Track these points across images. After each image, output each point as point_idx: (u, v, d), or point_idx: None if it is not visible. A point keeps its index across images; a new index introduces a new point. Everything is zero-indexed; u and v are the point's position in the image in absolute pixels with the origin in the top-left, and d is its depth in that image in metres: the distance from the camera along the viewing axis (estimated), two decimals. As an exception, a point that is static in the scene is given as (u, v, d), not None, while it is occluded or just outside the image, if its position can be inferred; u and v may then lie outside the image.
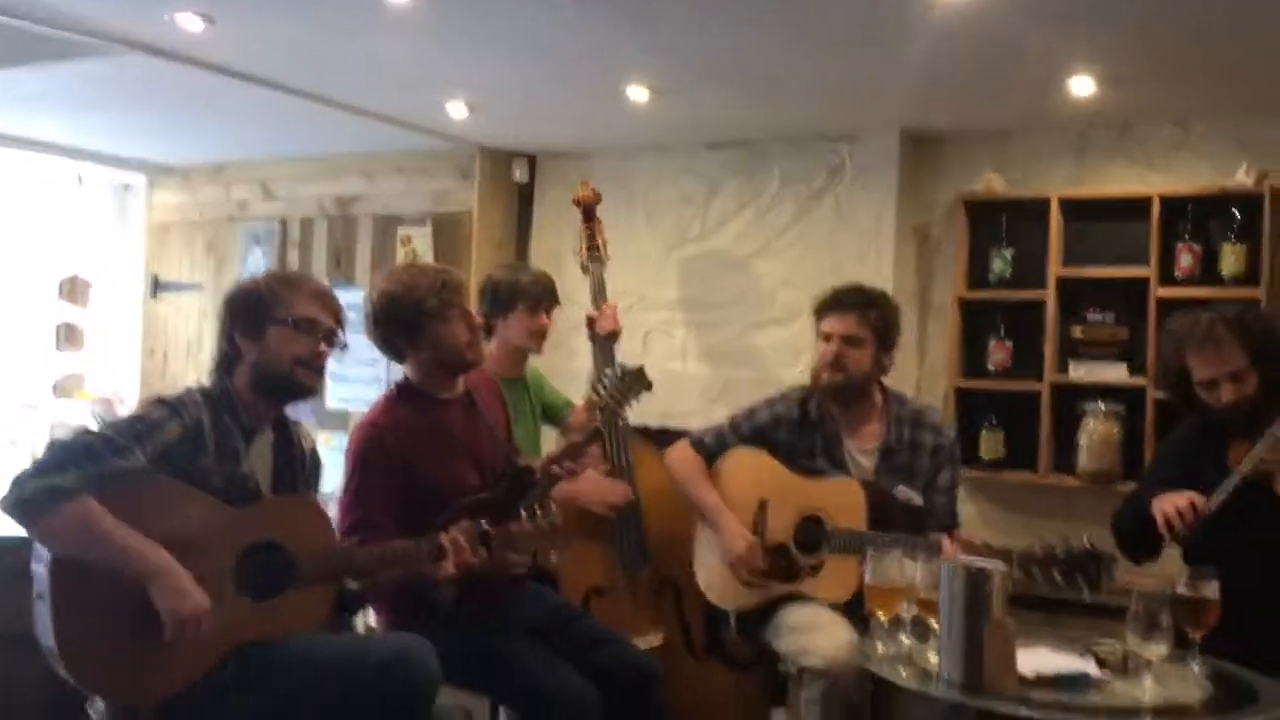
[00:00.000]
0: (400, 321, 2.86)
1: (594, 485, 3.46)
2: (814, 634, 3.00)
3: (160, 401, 2.44)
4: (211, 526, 2.36)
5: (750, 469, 3.32)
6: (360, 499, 2.78)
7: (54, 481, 2.19)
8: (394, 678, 2.31)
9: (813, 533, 3.19)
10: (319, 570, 2.44)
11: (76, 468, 2.21)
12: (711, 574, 3.35)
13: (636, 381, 3.18)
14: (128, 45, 3.59)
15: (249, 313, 2.55)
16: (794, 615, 3.13)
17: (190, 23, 3.34)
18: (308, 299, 2.55)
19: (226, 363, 2.57)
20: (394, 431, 2.83)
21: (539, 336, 3.65)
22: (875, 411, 3.29)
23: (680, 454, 3.41)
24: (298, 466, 2.65)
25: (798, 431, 3.29)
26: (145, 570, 2.22)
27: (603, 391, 3.18)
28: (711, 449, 3.38)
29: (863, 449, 3.27)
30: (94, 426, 2.35)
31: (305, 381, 2.54)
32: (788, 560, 3.20)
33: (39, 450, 2.29)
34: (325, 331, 2.56)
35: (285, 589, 2.40)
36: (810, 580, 3.17)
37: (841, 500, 3.16)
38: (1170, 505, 2.85)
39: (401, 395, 2.95)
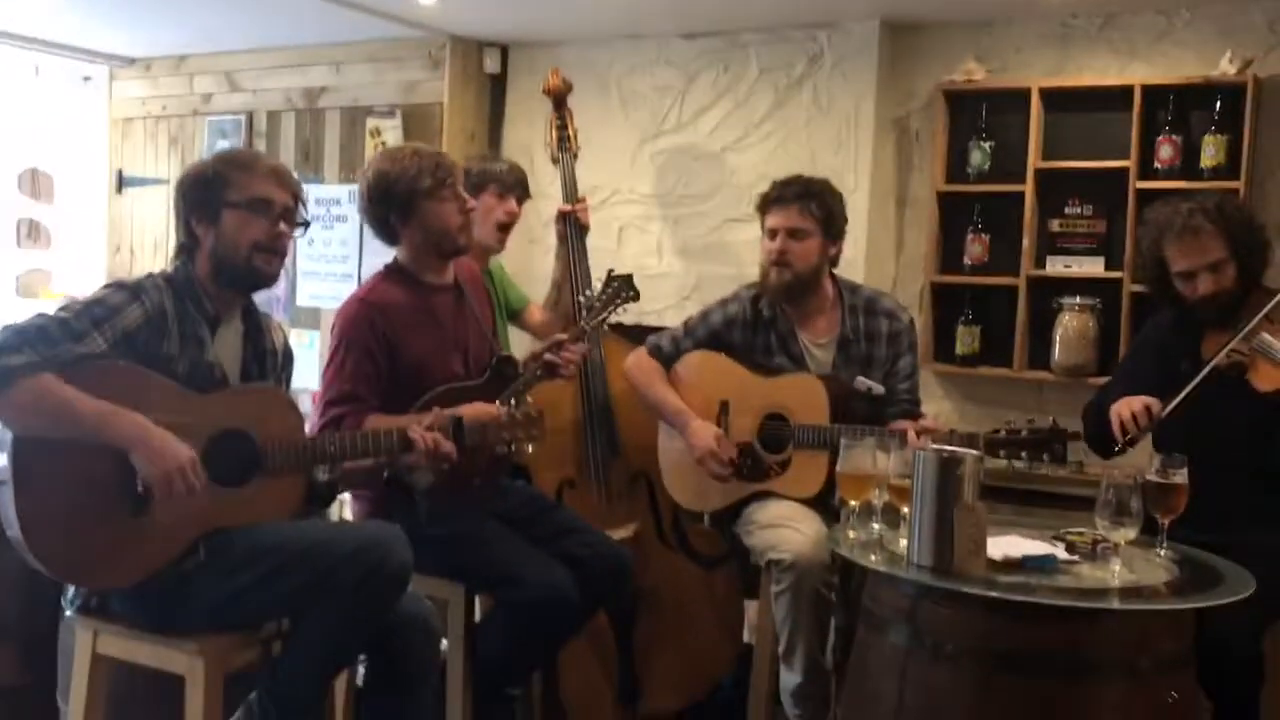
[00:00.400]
0: (394, 199, 2.86)
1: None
2: (782, 529, 3.02)
3: (120, 285, 2.38)
4: (178, 413, 2.32)
5: (709, 371, 3.30)
6: (343, 373, 2.78)
7: (9, 362, 2.14)
8: (365, 564, 2.30)
9: (777, 431, 3.19)
10: (287, 459, 2.41)
11: (32, 350, 2.16)
12: (680, 478, 3.36)
13: (625, 288, 3.14)
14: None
15: (201, 197, 2.47)
16: (762, 512, 3.14)
17: (144, -103, 3.20)
18: (262, 178, 2.47)
19: (186, 251, 2.50)
20: (380, 308, 2.83)
21: (505, 227, 3.60)
22: (828, 303, 3.27)
23: (638, 361, 3.39)
24: (268, 360, 2.60)
25: (752, 330, 3.27)
26: (118, 436, 2.19)
27: (590, 294, 3.16)
28: (668, 354, 3.36)
29: (818, 342, 3.26)
30: (50, 311, 2.29)
31: (264, 268, 2.48)
32: (754, 459, 3.20)
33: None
34: (282, 210, 2.48)
35: (253, 477, 2.38)
36: (778, 478, 3.18)
37: (803, 396, 3.16)
38: (1126, 409, 2.87)
39: (391, 275, 2.94)
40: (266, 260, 2.47)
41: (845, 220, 3.27)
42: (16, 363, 2.14)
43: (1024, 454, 2.83)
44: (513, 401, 2.78)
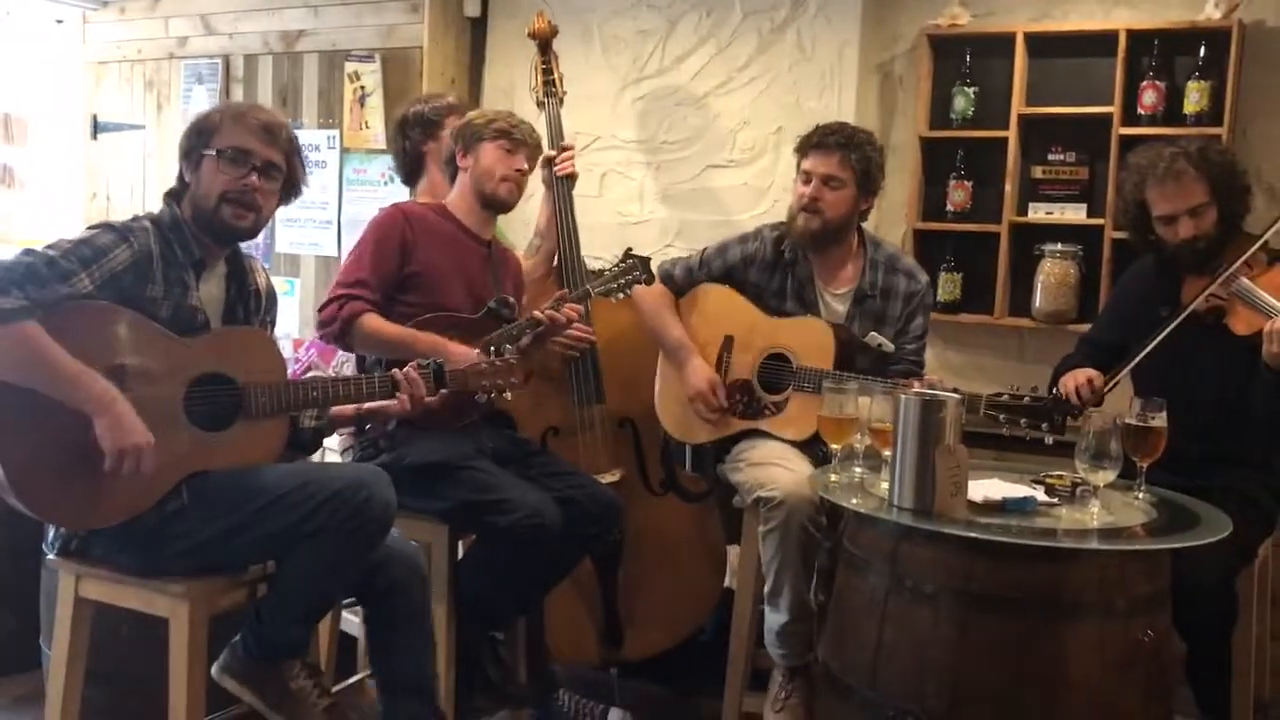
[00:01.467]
0: (466, 131, 3.13)
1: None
2: (772, 468, 3.03)
3: (109, 227, 2.36)
4: (160, 356, 2.31)
5: (718, 305, 3.32)
6: (359, 262, 2.98)
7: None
8: (349, 504, 2.31)
9: (777, 371, 3.20)
10: (270, 402, 2.41)
11: (19, 289, 2.14)
12: (672, 409, 3.38)
13: (640, 268, 3.14)
14: None
15: (192, 141, 2.48)
16: (753, 450, 3.16)
17: None
18: (247, 130, 2.44)
19: (175, 194, 2.49)
20: (412, 217, 3.07)
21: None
22: (850, 255, 3.27)
23: (649, 288, 3.38)
24: (251, 302, 2.59)
25: (770, 271, 3.27)
26: (86, 401, 2.18)
27: (606, 267, 3.20)
28: (680, 282, 3.38)
29: (835, 293, 3.26)
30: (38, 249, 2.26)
31: (232, 221, 2.43)
32: (750, 397, 3.22)
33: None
34: (262, 164, 2.44)
35: (235, 420, 2.37)
36: (772, 418, 3.19)
37: (809, 340, 3.16)
38: (1070, 382, 2.93)
39: (436, 207, 3.17)
40: (236, 214, 2.43)
41: (882, 175, 3.26)
42: (6, 306, 2.13)
43: (1023, 421, 2.82)
44: (493, 349, 2.79)
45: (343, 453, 3.13)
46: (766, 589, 3.04)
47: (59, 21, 5.72)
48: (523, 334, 2.94)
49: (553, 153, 3.66)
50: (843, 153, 3.15)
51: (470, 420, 3.00)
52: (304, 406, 2.51)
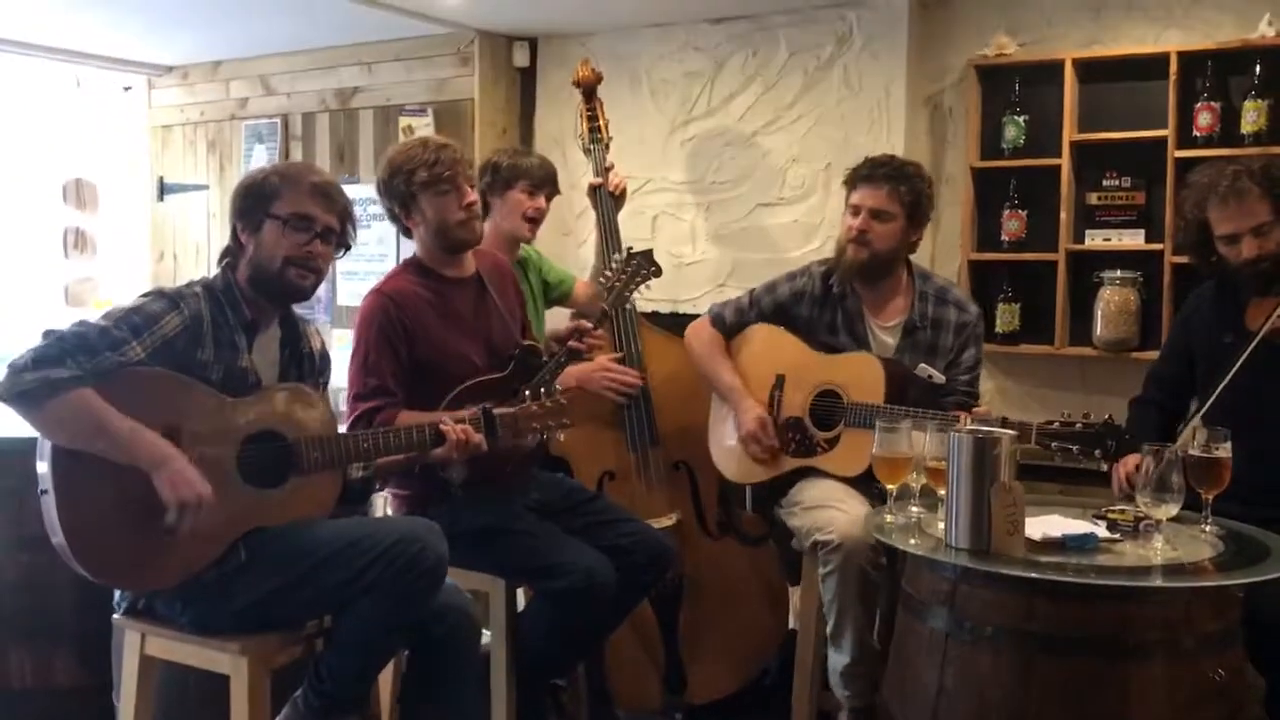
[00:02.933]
0: (394, 191, 2.90)
1: (604, 370, 3.45)
2: (827, 509, 3.00)
3: (160, 294, 2.43)
4: (212, 416, 2.36)
5: (769, 345, 3.31)
6: (367, 366, 2.82)
7: (52, 374, 2.19)
8: (401, 558, 2.33)
9: (829, 407, 3.18)
10: (321, 457, 2.44)
11: (72, 360, 2.21)
12: (726, 451, 3.36)
13: (645, 264, 3.15)
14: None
15: (250, 205, 2.51)
16: (807, 491, 3.13)
17: (169, -94, 3.23)
18: (306, 194, 2.49)
19: (230, 255, 2.54)
20: (397, 299, 2.86)
21: (535, 221, 3.62)
22: (900, 288, 3.25)
23: (699, 330, 3.41)
24: (305, 364, 2.63)
25: (819, 305, 3.26)
26: (146, 459, 2.23)
27: (610, 274, 3.16)
28: (731, 325, 3.38)
29: (885, 325, 3.24)
30: (91, 319, 2.34)
31: (297, 281, 2.50)
32: (803, 435, 3.20)
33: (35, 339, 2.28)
34: (322, 229, 2.50)
35: (289, 477, 2.41)
36: (825, 455, 3.17)
37: (859, 375, 3.14)
38: (1124, 471, 2.84)
39: (408, 268, 2.98)
40: (300, 274, 2.50)
41: (931, 207, 3.25)
42: (59, 376, 2.19)
43: (1075, 448, 2.78)
44: (541, 390, 2.79)
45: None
46: (829, 630, 3.00)
47: (127, 88, 5.92)
48: (558, 371, 2.95)
49: (597, 180, 3.70)
50: (891, 185, 3.14)
51: (527, 469, 3.01)
52: (355, 459, 2.54)
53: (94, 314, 2.33)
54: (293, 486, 2.42)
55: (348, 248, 2.62)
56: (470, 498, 2.83)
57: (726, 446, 3.36)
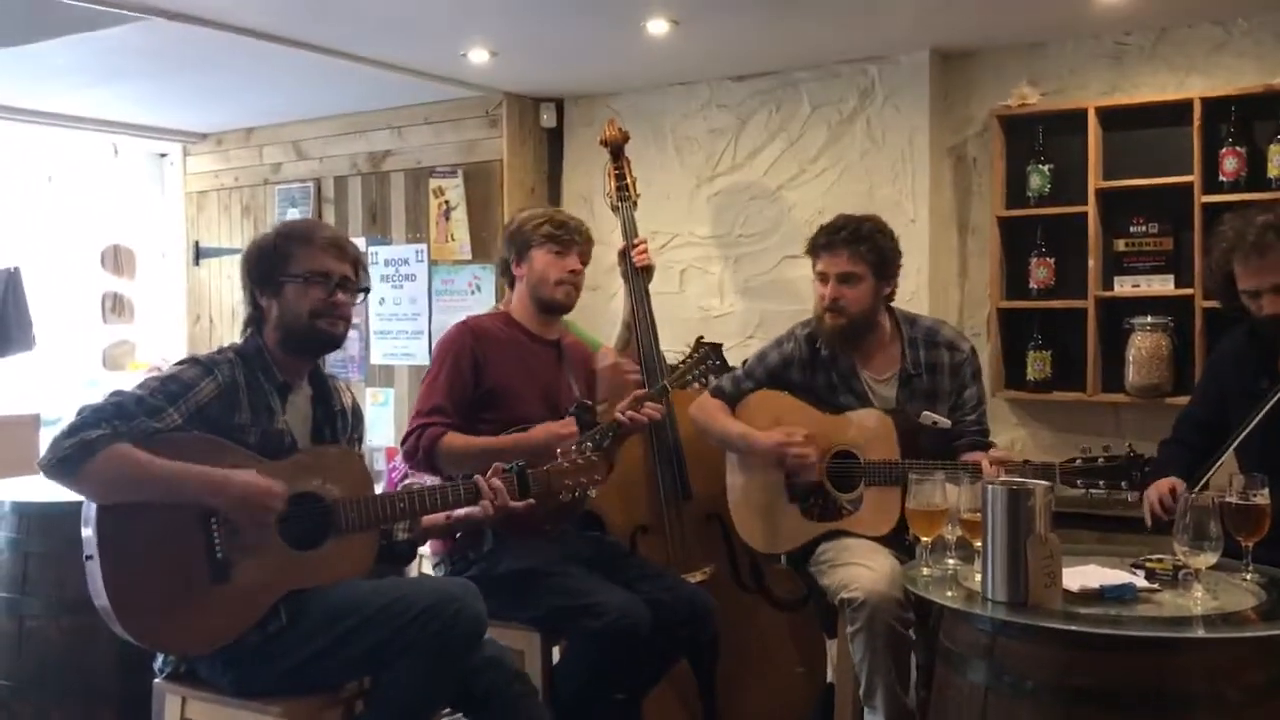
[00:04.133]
0: (515, 238, 3.17)
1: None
2: (853, 567, 2.99)
3: (195, 361, 2.47)
4: (250, 478, 2.39)
5: (774, 410, 3.28)
6: (434, 386, 3.00)
7: (88, 435, 2.23)
8: (440, 618, 2.34)
9: (846, 468, 3.16)
10: (359, 518, 2.46)
11: (108, 424, 2.25)
12: (751, 520, 3.33)
13: (712, 356, 3.20)
14: (150, 11, 3.60)
15: (264, 271, 2.56)
16: (833, 550, 3.11)
17: (206, -16, 3.34)
18: (319, 251, 2.55)
19: (255, 322, 2.59)
20: (477, 332, 3.08)
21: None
22: (886, 338, 3.23)
23: (701, 403, 3.39)
24: (338, 421, 2.66)
25: (809, 369, 3.25)
26: (200, 489, 2.27)
27: (682, 362, 3.23)
28: (730, 396, 3.36)
29: (880, 379, 3.22)
30: (127, 389, 2.38)
31: (328, 330, 2.55)
32: (825, 499, 3.18)
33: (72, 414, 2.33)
34: (340, 280, 2.56)
35: (327, 538, 2.43)
36: (851, 517, 3.14)
37: (871, 432, 3.12)
38: (1155, 495, 2.81)
39: (498, 314, 3.22)
40: (329, 323, 2.55)
41: (898, 256, 3.21)
42: (93, 435, 2.23)
43: (1101, 483, 2.77)
44: (573, 447, 2.82)
45: (435, 565, 3.17)
46: (861, 690, 2.97)
47: (162, 155, 6.06)
48: (605, 438, 2.98)
49: (624, 245, 3.73)
50: (850, 249, 3.11)
51: (563, 526, 3.03)
52: (392, 520, 2.56)
53: (132, 377, 2.37)
54: (331, 547, 2.44)
55: (366, 290, 2.67)
56: (509, 545, 2.85)
57: (750, 514, 3.31)
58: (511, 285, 3.22)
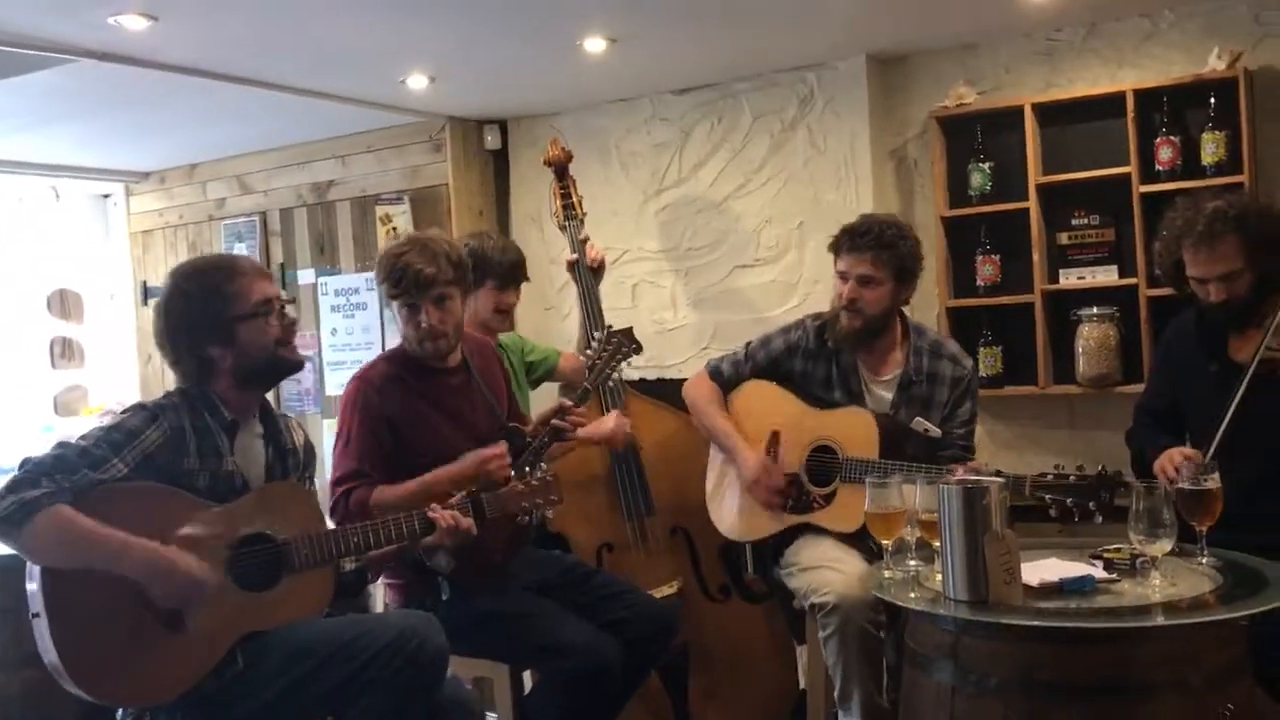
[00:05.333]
0: (382, 293, 3.00)
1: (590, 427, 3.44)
2: (823, 571, 3.01)
3: (141, 408, 2.43)
4: (200, 525, 2.36)
5: (763, 401, 3.34)
6: (348, 451, 2.87)
7: (27, 495, 2.18)
8: (401, 654, 2.32)
9: (825, 463, 3.19)
10: (312, 555, 2.44)
11: (50, 480, 2.20)
12: (724, 509, 3.37)
13: (625, 342, 3.19)
14: (76, 53, 3.55)
15: (209, 322, 2.46)
16: (804, 552, 3.13)
17: (134, 23, 3.29)
18: (255, 279, 2.51)
19: (199, 375, 2.50)
20: (378, 385, 2.91)
21: (505, 313, 3.63)
22: (895, 342, 3.29)
23: (697, 383, 3.45)
24: (289, 459, 2.63)
25: (813, 359, 3.29)
26: (133, 564, 2.22)
27: (591, 353, 3.19)
28: (728, 378, 3.41)
29: (881, 380, 3.27)
30: (71, 439, 2.34)
31: (290, 357, 2.54)
32: (799, 491, 3.21)
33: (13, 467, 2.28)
34: (279, 301, 2.54)
35: (281, 577, 2.41)
36: (822, 511, 3.18)
37: (854, 430, 3.16)
38: (1169, 464, 2.81)
39: (393, 356, 3.03)
40: (290, 350, 2.54)
41: (919, 261, 3.25)
42: (33, 495, 2.18)
43: (1070, 500, 2.80)
44: (527, 469, 2.81)
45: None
46: (836, 694, 2.99)
47: (105, 196, 5.98)
48: (544, 450, 2.96)
49: (573, 256, 3.73)
50: (874, 253, 3.16)
51: (514, 555, 3.01)
52: (347, 554, 2.53)
53: (87, 422, 2.33)
54: (286, 587, 2.41)
55: (291, 302, 2.65)
56: (464, 585, 2.82)
57: (725, 505, 3.37)
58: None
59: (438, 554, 2.65)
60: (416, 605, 2.91)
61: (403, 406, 2.90)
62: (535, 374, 3.86)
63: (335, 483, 2.86)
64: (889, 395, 3.24)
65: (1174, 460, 2.79)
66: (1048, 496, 2.80)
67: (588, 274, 3.74)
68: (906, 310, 3.39)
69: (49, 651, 2.22)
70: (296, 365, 2.56)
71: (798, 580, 3.09)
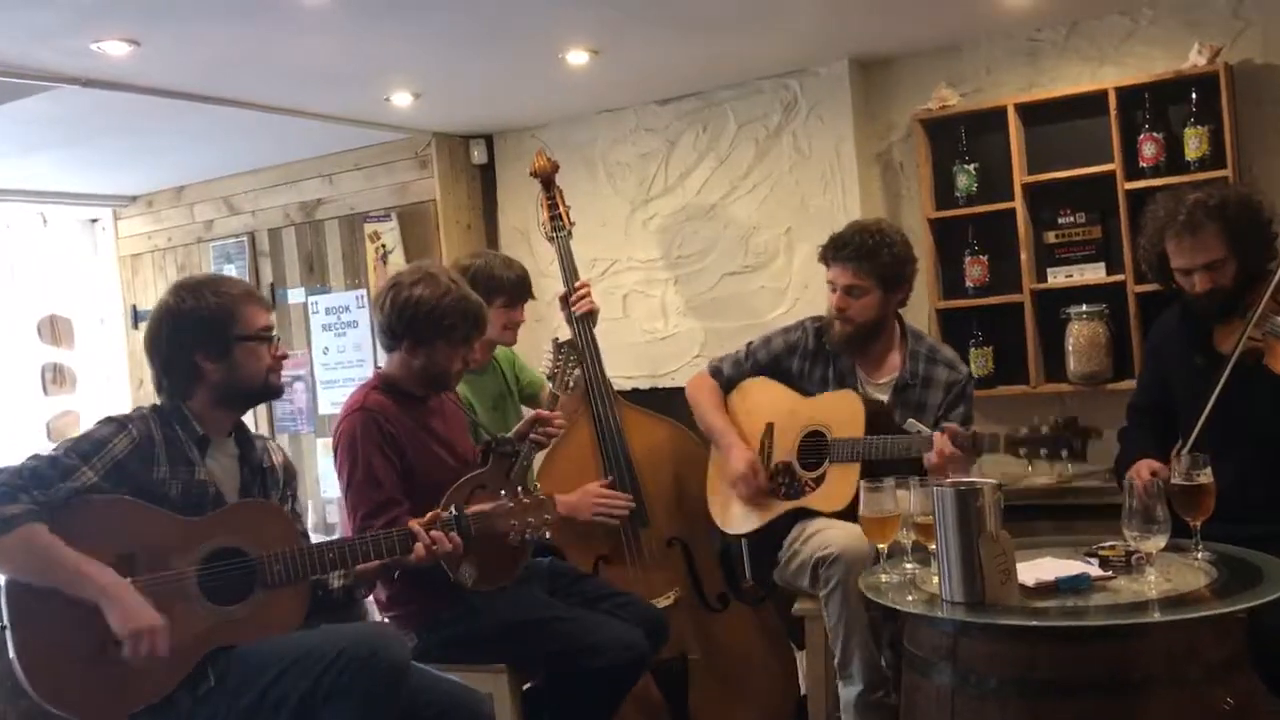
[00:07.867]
0: (417, 326, 2.90)
1: (593, 498, 3.46)
2: (826, 531, 3.08)
3: (109, 419, 2.46)
4: (169, 537, 2.36)
5: (760, 396, 3.41)
6: (370, 482, 2.81)
7: (4, 511, 2.21)
8: (357, 660, 2.29)
9: (815, 447, 3.23)
10: (285, 571, 2.43)
11: (26, 494, 2.23)
12: (722, 502, 3.40)
13: (569, 352, 3.35)
14: (60, 80, 3.56)
15: (212, 333, 2.49)
16: (803, 526, 3.17)
17: (116, 49, 3.31)
18: (259, 309, 2.58)
19: (181, 385, 2.51)
20: (381, 412, 2.89)
21: (513, 330, 3.65)
22: (892, 345, 3.33)
23: (699, 380, 3.51)
24: (268, 478, 2.64)
25: (811, 359, 3.35)
26: (94, 591, 2.24)
27: (547, 365, 3.37)
28: (729, 376, 3.47)
29: (877, 382, 3.31)
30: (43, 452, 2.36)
31: (278, 383, 2.61)
32: (791, 478, 3.25)
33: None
34: (273, 333, 2.61)
35: (253, 592, 2.40)
36: (812, 494, 3.22)
37: (841, 412, 3.22)
38: (1138, 480, 2.77)
39: (382, 387, 2.99)
40: (278, 378, 2.60)
41: (906, 265, 3.26)
42: (11, 513, 2.21)
43: (1043, 451, 2.84)
44: (519, 489, 2.81)
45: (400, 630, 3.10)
46: (836, 661, 3.02)
47: (93, 220, 5.98)
48: (528, 465, 3.04)
49: (566, 291, 3.72)
50: (855, 264, 3.19)
51: (522, 565, 3.01)
52: (321, 570, 2.52)
53: (28, 455, 2.35)
54: (257, 602, 2.40)
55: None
56: (485, 596, 2.84)
57: (723, 498, 3.40)
58: (390, 349, 3.01)
59: (462, 568, 2.65)
60: (430, 619, 2.90)
61: (406, 433, 2.91)
62: (522, 394, 3.86)
63: (367, 516, 2.79)
64: (885, 397, 3.27)
65: (1142, 475, 2.81)
66: (1022, 451, 2.86)
67: (580, 320, 3.69)
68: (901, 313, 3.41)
69: (16, 664, 2.22)
70: (278, 390, 2.65)
71: (805, 551, 3.10)
